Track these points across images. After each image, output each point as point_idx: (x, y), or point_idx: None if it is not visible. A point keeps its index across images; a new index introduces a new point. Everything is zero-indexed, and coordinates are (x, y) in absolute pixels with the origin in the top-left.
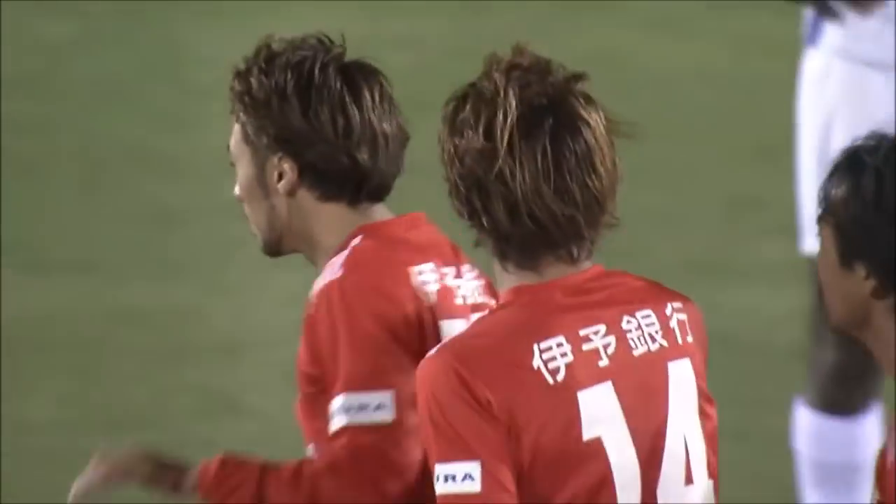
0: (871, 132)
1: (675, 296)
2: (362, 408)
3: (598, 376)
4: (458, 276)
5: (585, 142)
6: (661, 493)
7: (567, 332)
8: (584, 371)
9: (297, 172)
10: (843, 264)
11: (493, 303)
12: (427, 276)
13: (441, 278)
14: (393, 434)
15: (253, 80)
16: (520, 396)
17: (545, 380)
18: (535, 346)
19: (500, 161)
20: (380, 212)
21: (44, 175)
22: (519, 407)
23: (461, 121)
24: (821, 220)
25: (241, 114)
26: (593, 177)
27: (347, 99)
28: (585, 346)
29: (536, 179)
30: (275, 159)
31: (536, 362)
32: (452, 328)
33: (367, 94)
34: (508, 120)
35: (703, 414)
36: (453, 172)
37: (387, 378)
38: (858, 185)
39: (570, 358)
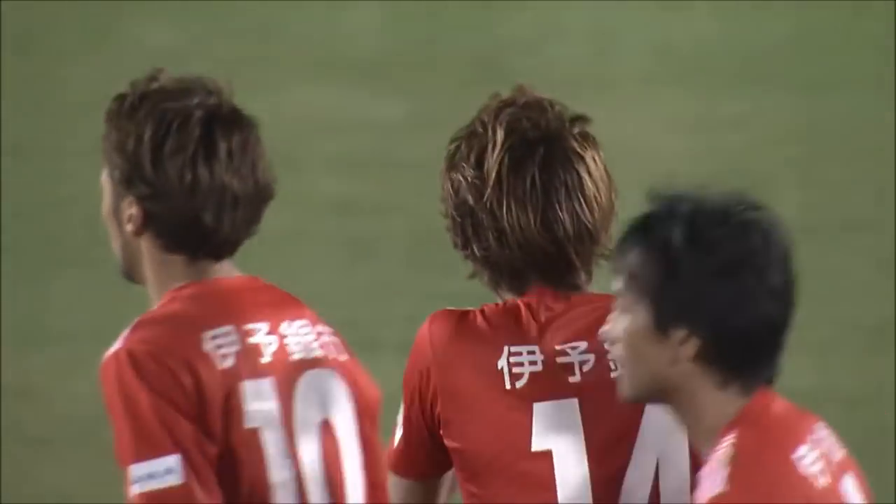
0: (662, 197)
1: None
2: (151, 476)
3: (566, 391)
4: (273, 332)
5: (577, 174)
6: None
7: (543, 342)
8: (549, 383)
9: (143, 219)
10: (658, 329)
11: (342, 357)
12: (222, 340)
13: (244, 338)
14: (186, 495)
15: (122, 118)
16: (471, 390)
17: (503, 383)
18: (506, 348)
19: (489, 191)
20: (224, 269)
21: (378, 253)
22: (466, 400)
23: (458, 157)
24: (619, 289)
25: (105, 141)
26: (585, 208)
27: (200, 156)
28: (560, 360)
29: (524, 209)
30: (126, 199)
31: (501, 363)
32: (257, 388)
33: (223, 151)
34: (496, 152)
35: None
36: (450, 205)
37: (171, 443)
38: (671, 248)
39: (538, 368)
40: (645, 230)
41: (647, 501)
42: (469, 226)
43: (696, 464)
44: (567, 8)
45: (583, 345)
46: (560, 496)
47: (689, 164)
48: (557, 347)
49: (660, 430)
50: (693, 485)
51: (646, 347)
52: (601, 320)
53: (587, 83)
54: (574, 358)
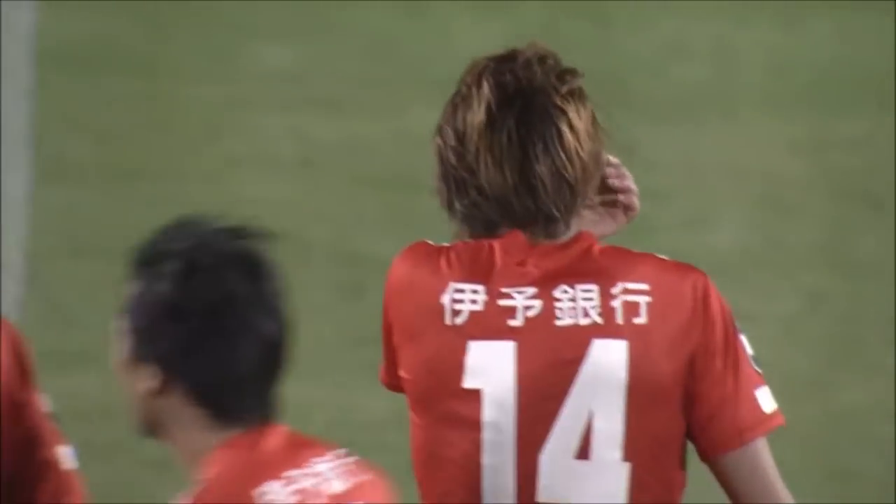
0: (174, 227)
1: (644, 275)
2: None
3: (503, 333)
4: None
5: (557, 128)
6: (545, 460)
7: (490, 282)
8: (488, 323)
9: None
10: (132, 361)
11: None
12: None
13: None
14: None
15: None
16: (416, 323)
17: (443, 317)
18: (451, 284)
19: (470, 148)
20: None
21: None
22: (411, 332)
23: (442, 119)
24: (118, 317)
25: None
26: (565, 162)
27: None
28: (502, 302)
29: (500, 165)
30: None
31: (444, 298)
32: None
33: None
34: (476, 108)
35: (641, 398)
36: (435, 169)
37: None
38: (146, 281)
39: (478, 307)
40: (134, 262)
41: (574, 452)
42: (453, 186)
43: (632, 418)
44: (688, 28)
45: (530, 290)
46: (485, 436)
47: (809, 184)
48: (503, 290)
49: (596, 384)
50: (627, 443)
51: (127, 377)
52: (558, 270)
53: (708, 103)
54: (518, 302)
